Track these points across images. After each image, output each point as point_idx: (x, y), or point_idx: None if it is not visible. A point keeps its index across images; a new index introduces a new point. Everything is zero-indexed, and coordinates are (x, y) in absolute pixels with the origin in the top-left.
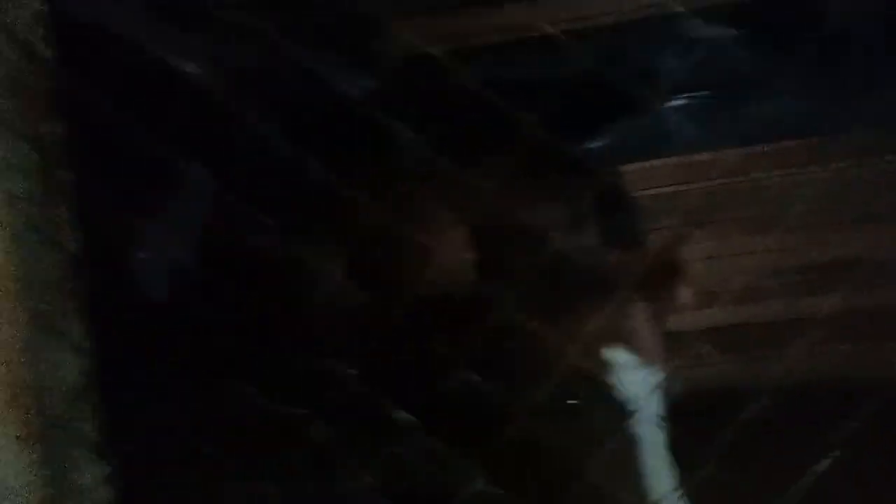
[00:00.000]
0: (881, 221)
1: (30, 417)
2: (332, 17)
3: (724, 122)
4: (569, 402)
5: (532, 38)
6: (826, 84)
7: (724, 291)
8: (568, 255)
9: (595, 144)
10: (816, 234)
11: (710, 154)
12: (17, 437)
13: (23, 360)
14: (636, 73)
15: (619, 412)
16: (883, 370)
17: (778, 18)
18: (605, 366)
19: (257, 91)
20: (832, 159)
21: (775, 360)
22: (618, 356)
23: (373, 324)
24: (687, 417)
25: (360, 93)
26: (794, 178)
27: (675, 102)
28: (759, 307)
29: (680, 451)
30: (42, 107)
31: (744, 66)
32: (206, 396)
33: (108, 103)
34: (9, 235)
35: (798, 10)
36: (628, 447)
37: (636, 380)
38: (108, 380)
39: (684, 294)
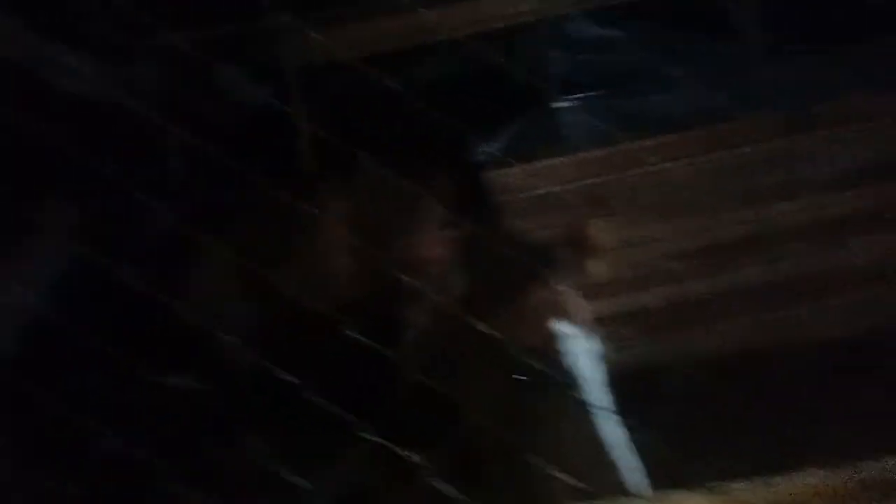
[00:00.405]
0: (771, 200)
1: None
2: (241, 31)
3: (621, 117)
4: (516, 376)
5: (434, 42)
6: (712, 75)
7: (635, 277)
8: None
9: (500, 143)
10: (713, 217)
11: (609, 148)
12: None
13: None
14: (536, 72)
15: (568, 382)
16: (785, 338)
17: (666, 16)
18: (551, 339)
19: (157, 97)
20: (721, 146)
21: (689, 337)
22: (562, 328)
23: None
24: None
25: (269, 98)
26: (688, 167)
27: (574, 100)
28: (668, 289)
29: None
30: None
31: (636, 62)
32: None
33: None
34: None
35: (683, 7)
36: (581, 413)
37: (581, 349)
38: None
39: (599, 271)
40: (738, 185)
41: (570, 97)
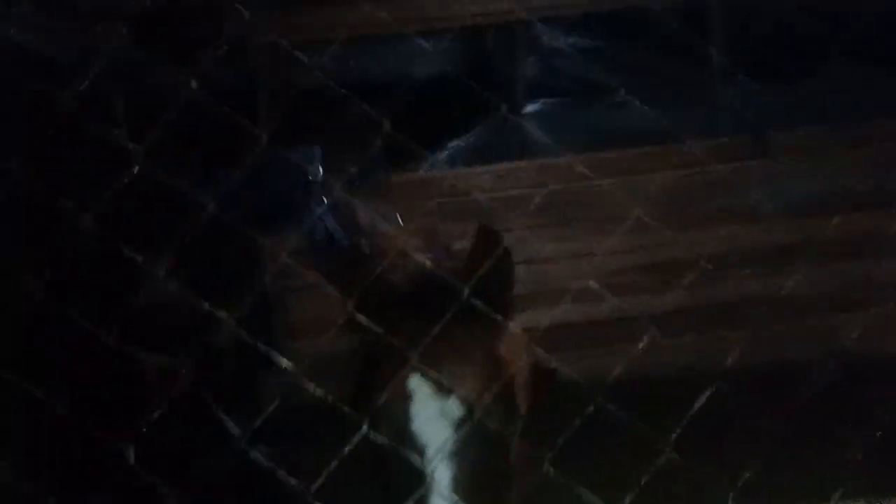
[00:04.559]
0: (710, 224)
1: None
2: None
3: (571, 130)
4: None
5: (386, 37)
6: (668, 97)
7: (566, 291)
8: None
9: (451, 146)
10: (652, 236)
11: (554, 159)
12: None
13: None
14: (492, 78)
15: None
16: (716, 361)
17: (625, 32)
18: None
19: None
20: (667, 167)
21: (617, 356)
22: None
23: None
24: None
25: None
26: (633, 184)
27: (527, 108)
28: (599, 306)
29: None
30: None
31: (593, 75)
32: None
33: None
34: None
35: (646, 25)
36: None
37: (435, 413)
38: None
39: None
40: (682, 207)
41: (533, 103)
